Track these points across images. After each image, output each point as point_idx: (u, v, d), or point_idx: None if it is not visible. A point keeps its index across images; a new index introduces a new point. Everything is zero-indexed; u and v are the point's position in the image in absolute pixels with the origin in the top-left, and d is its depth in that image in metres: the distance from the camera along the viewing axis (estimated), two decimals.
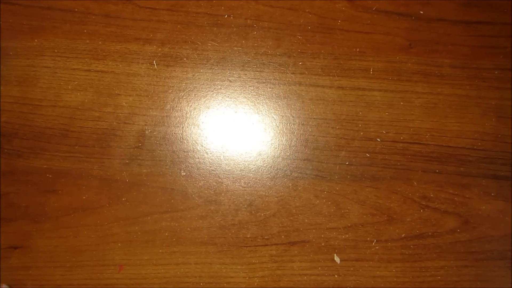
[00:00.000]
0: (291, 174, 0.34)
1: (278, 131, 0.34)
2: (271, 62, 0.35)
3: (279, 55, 0.35)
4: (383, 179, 0.34)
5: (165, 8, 0.35)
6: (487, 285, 0.33)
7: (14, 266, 0.31)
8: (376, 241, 0.33)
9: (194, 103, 0.34)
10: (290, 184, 0.33)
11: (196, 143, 0.34)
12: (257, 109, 0.34)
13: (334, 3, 0.36)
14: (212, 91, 0.34)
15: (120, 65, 0.34)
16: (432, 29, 0.36)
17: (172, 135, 0.33)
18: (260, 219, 0.33)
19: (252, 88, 0.35)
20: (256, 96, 0.35)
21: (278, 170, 0.34)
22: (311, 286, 0.32)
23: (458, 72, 0.36)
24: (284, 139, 0.34)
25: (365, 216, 0.33)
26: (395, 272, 0.32)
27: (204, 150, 0.33)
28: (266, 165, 0.34)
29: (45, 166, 0.32)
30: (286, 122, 0.34)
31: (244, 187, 0.33)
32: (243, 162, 0.34)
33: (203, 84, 0.34)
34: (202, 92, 0.34)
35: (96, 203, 0.32)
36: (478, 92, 0.36)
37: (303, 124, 0.34)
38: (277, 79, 0.35)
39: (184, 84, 0.34)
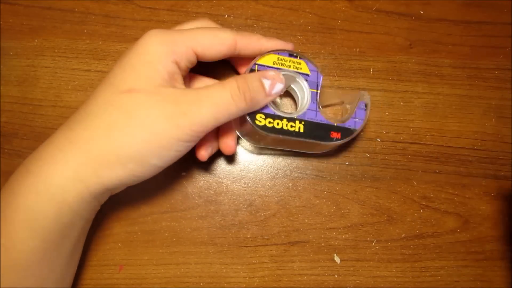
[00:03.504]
0: (291, 174, 0.33)
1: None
2: None
3: None
4: (383, 179, 0.34)
5: (165, 8, 0.35)
6: (487, 285, 0.33)
7: None
8: (376, 241, 0.33)
9: None
10: (290, 184, 0.33)
11: None
12: None
13: (334, 3, 0.36)
14: None
15: None
16: (432, 29, 0.36)
17: None
18: (260, 219, 0.33)
19: None
20: None
21: (278, 170, 0.34)
22: (311, 286, 0.32)
23: (458, 72, 0.36)
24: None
25: (365, 216, 0.33)
26: (395, 272, 0.32)
27: None
28: (266, 165, 0.34)
29: None
30: None
31: (244, 187, 0.33)
32: (243, 162, 0.34)
33: None
34: None
35: None
36: (478, 92, 0.36)
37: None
38: None
39: None
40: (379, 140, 0.34)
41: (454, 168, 0.34)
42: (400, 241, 0.33)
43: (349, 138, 0.30)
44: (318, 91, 0.30)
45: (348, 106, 0.33)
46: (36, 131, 0.33)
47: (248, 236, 0.32)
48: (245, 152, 0.34)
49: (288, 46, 0.29)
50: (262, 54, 0.29)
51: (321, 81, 0.30)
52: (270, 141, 0.30)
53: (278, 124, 0.28)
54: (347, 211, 0.33)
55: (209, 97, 0.24)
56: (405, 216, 0.33)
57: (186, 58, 0.25)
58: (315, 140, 0.29)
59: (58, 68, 0.34)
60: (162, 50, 0.24)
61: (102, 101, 0.24)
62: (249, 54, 0.28)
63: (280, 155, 0.34)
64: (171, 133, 0.23)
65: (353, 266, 0.32)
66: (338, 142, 0.29)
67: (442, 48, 0.36)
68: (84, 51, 0.34)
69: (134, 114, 0.23)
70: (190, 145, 0.25)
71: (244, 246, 0.32)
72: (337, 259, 0.32)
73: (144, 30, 0.35)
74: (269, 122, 0.28)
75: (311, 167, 0.34)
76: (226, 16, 0.36)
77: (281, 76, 0.27)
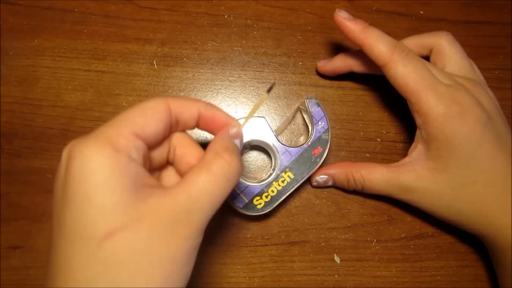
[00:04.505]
0: None
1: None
2: (271, 62, 0.35)
3: (279, 55, 0.35)
4: None
5: (165, 8, 0.35)
6: (487, 285, 0.33)
7: (14, 266, 0.31)
8: (376, 241, 0.33)
9: None
10: None
11: None
12: None
13: (334, 3, 0.36)
14: (212, 91, 0.34)
15: (120, 65, 0.34)
16: (432, 29, 0.36)
17: None
18: (260, 219, 0.33)
19: (252, 88, 0.35)
20: (256, 96, 0.35)
21: None
22: (311, 286, 0.32)
23: None
24: (284, 139, 0.34)
25: (365, 216, 0.33)
26: (395, 272, 0.32)
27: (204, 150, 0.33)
28: (266, 165, 0.34)
29: (45, 166, 0.32)
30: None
31: None
32: (243, 162, 0.33)
33: (203, 84, 0.34)
34: (202, 92, 0.34)
35: None
36: None
37: (303, 124, 0.34)
38: (277, 79, 0.35)
39: (184, 84, 0.34)
40: (379, 140, 0.34)
41: None
42: (400, 241, 0.33)
43: (328, 143, 0.30)
44: (274, 132, 0.30)
45: (306, 118, 0.33)
46: (36, 131, 0.33)
47: (248, 236, 0.32)
48: (244, 153, 0.34)
49: (232, 122, 0.23)
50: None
51: (267, 123, 0.30)
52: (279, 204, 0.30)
53: (273, 191, 0.29)
54: (347, 211, 0.33)
55: (203, 194, 0.20)
56: (405, 216, 0.33)
57: (135, 149, 0.20)
58: (309, 172, 0.29)
59: (58, 68, 0.34)
60: (102, 165, 0.18)
61: (81, 266, 0.18)
62: (188, 121, 0.23)
63: None
64: (182, 252, 0.20)
65: (353, 266, 0.32)
66: (324, 156, 0.30)
67: None
68: (84, 51, 0.34)
69: (132, 260, 0.18)
70: (199, 242, 0.21)
71: (244, 246, 0.32)
72: (337, 259, 0.32)
73: (144, 30, 0.35)
74: (266, 197, 0.29)
75: None
76: (226, 16, 0.36)
77: (242, 129, 0.24)
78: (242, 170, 0.22)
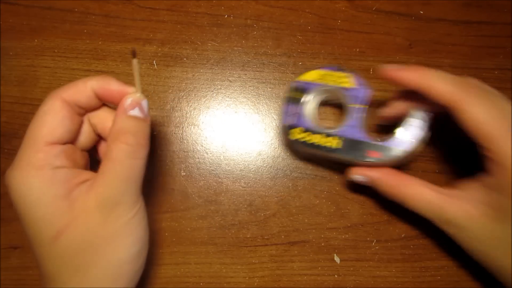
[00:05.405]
0: (291, 174, 0.33)
1: (278, 131, 0.34)
2: (271, 62, 0.35)
3: (279, 55, 0.35)
4: None
5: (165, 8, 0.35)
6: (487, 285, 0.33)
7: (14, 266, 0.31)
8: (376, 241, 0.33)
9: (194, 103, 0.34)
10: (290, 184, 0.33)
11: (196, 143, 0.34)
12: (257, 109, 0.34)
13: (334, 3, 0.36)
14: (212, 91, 0.34)
15: (120, 65, 0.34)
16: (432, 29, 0.36)
17: (172, 135, 0.33)
18: (260, 219, 0.33)
19: (252, 88, 0.35)
20: (256, 96, 0.35)
21: (278, 170, 0.34)
22: (311, 286, 0.32)
23: (458, 72, 0.36)
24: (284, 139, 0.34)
25: (365, 216, 0.33)
26: (395, 272, 0.32)
27: (204, 150, 0.33)
28: (266, 165, 0.34)
29: None
30: None
31: (244, 187, 0.33)
32: (243, 162, 0.34)
33: (203, 84, 0.34)
34: (202, 92, 0.34)
35: None
36: None
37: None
38: (277, 79, 0.35)
39: (184, 84, 0.34)
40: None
41: (455, 168, 0.34)
42: (400, 241, 0.33)
43: (388, 160, 0.28)
44: (365, 107, 0.29)
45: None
46: None
47: (248, 236, 0.32)
48: (245, 152, 0.34)
49: (126, 89, 0.24)
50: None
51: (368, 96, 0.29)
52: (310, 154, 0.30)
53: (311, 139, 0.29)
54: (347, 211, 0.33)
55: (115, 179, 0.22)
56: (405, 216, 0.33)
57: (56, 157, 0.23)
58: (349, 158, 0.29)
59: (58, 68, 0.34)
60: (31, 186, 0.22)
61: (50, 264, 0.22)
62: (90, 103, 0.25)
63: (280, 155, 0.34)
64: (122, 225, 0.23)
65: (353, 266, 0.32)
66: (374, 162, 0.28)
67: (442, 48, 0.36)
68: (84, 51, 0.34)
69: (86, 243, 0.22)
70: (137, 210, 0.23)
71: (244, 246, 0.32)
72: (337, 259, 0.32)
73: (144, 30, 0.35)
74: (302, 137, 0.29)
75: (311, 167, 0.34)
76: (226, 16, 0.36)
77: (138, 95, 0.24)
78: (147, 138, 0.23)
